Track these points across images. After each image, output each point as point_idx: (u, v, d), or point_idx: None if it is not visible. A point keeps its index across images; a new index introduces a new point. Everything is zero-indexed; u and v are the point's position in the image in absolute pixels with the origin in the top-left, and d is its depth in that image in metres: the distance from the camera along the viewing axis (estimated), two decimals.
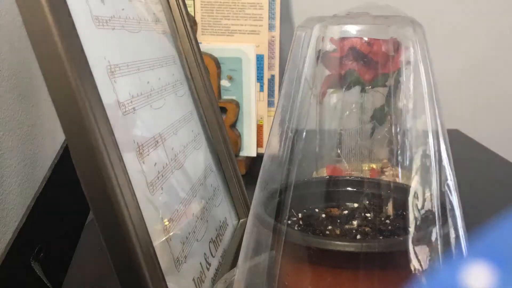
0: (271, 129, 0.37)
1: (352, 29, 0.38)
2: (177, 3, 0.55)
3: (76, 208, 0.46)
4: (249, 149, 0.83)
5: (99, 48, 0.35)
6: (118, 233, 0.29)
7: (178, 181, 0.43)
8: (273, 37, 0.83)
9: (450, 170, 0.34)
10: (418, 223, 0.35)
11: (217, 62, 0.80)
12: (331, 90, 0.46)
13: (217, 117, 0.57)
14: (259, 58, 0.82)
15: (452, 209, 0.33)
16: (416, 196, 0.36)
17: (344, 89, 0.45)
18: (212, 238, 0.48)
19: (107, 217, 0.29)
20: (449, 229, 0.32)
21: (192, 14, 0.81)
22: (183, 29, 0.55)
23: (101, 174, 0.29)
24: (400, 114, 0.37)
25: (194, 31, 0.57)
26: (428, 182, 0.33)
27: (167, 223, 0.38)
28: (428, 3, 1.04)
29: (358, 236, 0.33)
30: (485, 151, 0.94)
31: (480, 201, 0.67)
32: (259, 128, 0.85)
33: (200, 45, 0.58)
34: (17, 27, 0.56)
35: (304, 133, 0.35)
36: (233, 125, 0.82)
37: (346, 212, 0.37)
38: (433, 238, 0.31)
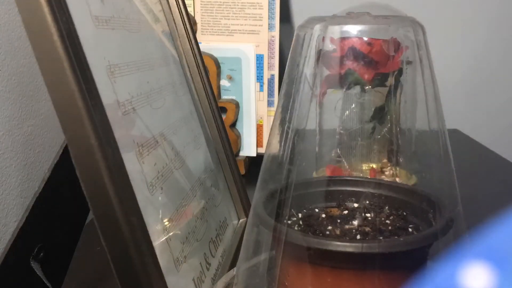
0: (271, 129, 0.37)
1: (352, 29, 0.38)
2: (177, 3, 0.55)
3: (76, 208, 0.46)
4: (249, 149, 0.83)
5: (99, 48, 0.35)
6: (118, 233, 0.29)
7: (178, 181, 0.43)
8: (273, 37, 0.83)
9: (450, 170, 0.34)
10: (418, 223, 0.35)
11: (217, 62, 0.80)
12: (331, 90, 0.46)
13: (217, 117, 0.57)
14: (259, 58, 0.82)
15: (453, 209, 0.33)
16: (416, 196, 0.36)
17: (344, 89, 0.45)
18: (212, 238, 0.48)
19: (107, 217, 0.29)
20: (449, 229, 0.32)
21: (192, 14, 0.81)
22: (183, 29, 0.55)
23: (101, 174, 0.29)
24: (400, 114, 0.37)
25: (194, 31, 0.57)
26: (428, 182, 0.33)
27: (167, 223, 0.38)
28: (428, 3, 1.04)
29: (358, 236, 0.33)
30: (485, 151, 0.94)
31: (480, 201, 0.67)
32: (259, 128, 0.85)
33: (200, 45, 0.58)
34: (17, 27, 0.56)
35: (304, 133, 0.35)
36: (233, 125, 0.82)
37: (346, 212, 0.37)
38: (433, 238, 0.31)
